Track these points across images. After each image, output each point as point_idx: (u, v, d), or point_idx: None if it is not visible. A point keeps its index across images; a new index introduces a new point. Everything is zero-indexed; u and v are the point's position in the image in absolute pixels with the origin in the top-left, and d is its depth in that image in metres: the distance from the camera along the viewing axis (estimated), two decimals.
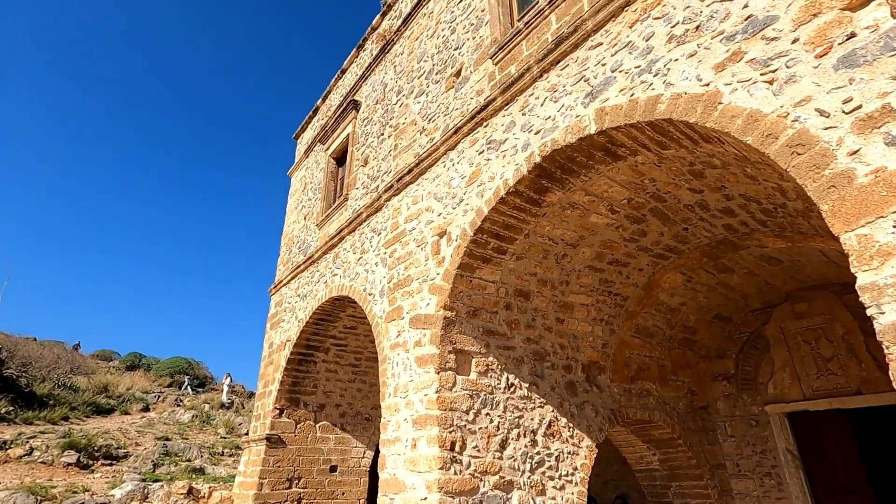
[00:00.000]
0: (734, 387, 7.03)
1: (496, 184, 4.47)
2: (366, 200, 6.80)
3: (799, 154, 2.43)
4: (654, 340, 6.44)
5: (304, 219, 9.20)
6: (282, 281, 9.07)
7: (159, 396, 20.46)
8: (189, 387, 22.33)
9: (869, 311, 2.08)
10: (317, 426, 8.19)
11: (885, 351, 2.01)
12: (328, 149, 8.90)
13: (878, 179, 2.14)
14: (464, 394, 4.54)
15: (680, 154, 3.66)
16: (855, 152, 2.24)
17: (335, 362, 8.38)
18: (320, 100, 10.20)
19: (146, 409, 18.12)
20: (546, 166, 4.11)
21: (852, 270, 2.15)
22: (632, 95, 3.40)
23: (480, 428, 4.51)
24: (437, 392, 4.40)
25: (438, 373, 4.48)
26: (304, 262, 8.24)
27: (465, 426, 4.41)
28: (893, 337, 1.98)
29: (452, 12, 6.18)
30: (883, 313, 2.03)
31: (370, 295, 6.06)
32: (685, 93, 3.05)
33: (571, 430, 5.23)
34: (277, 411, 7.88)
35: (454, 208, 4.98)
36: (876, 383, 5.80)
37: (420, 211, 5.56)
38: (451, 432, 4.29)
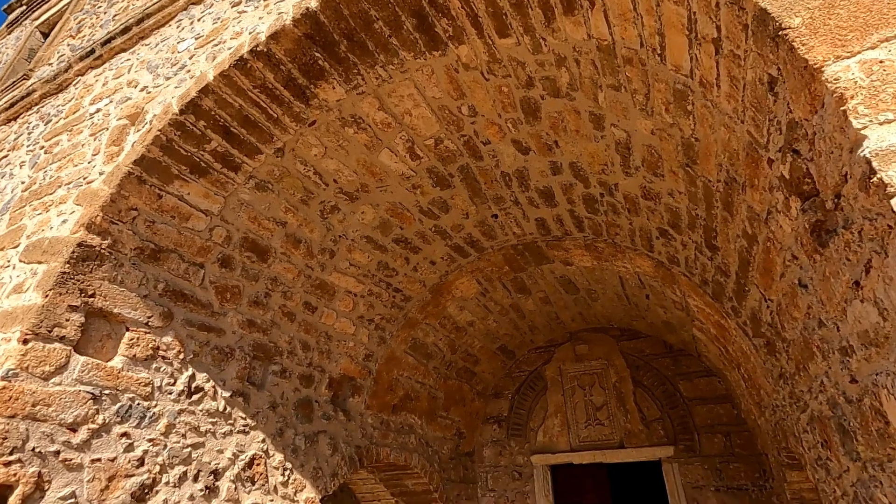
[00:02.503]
0: (504, 432, 6.15)
1: (241, 40, 2.68)
2: (49, 75, 4.19)
3: None
4: (431, 364, 5.15)
5: None
6: None
7: None
8: None
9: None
10: None
11: None
12: (38, 18, 5.86)
13: None
14: (80, 391, 2.38)
15: (520, 56, 2.47)
16: None
17: None
18: None
19: None
20: (326, 25, 2.51)
21: (853, 122, 0.99)
22: None
23: (95, 460, 2.37)
24: (7, 378, 2.15)
25: (27, 342, 2.26)
26: None
27: (56, 454, 2.23)
28: None
29: None
30: None
31: None
32: None
33: (288, 473, 3.40)
34: None
35: (168, 79, 2.98)
36: (638, 436, 5.45)
37: (119, 87, 3.36)
38: (6, 470, 2.06)
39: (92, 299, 2.49)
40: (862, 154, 0.97)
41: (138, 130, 2.80)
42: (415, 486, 5.05)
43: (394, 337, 4.53)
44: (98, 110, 3.31)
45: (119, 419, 2.50)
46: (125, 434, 2.51)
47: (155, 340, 2.74)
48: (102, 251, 2.55)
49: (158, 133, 2.62)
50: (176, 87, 2.83)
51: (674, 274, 3.69)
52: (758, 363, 3.19)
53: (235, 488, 3.00)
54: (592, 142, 2.86)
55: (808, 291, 1.67)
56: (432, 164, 3.39)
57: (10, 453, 2.09)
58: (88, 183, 2.77)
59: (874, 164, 0.94)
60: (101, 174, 2.75)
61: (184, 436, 2.79)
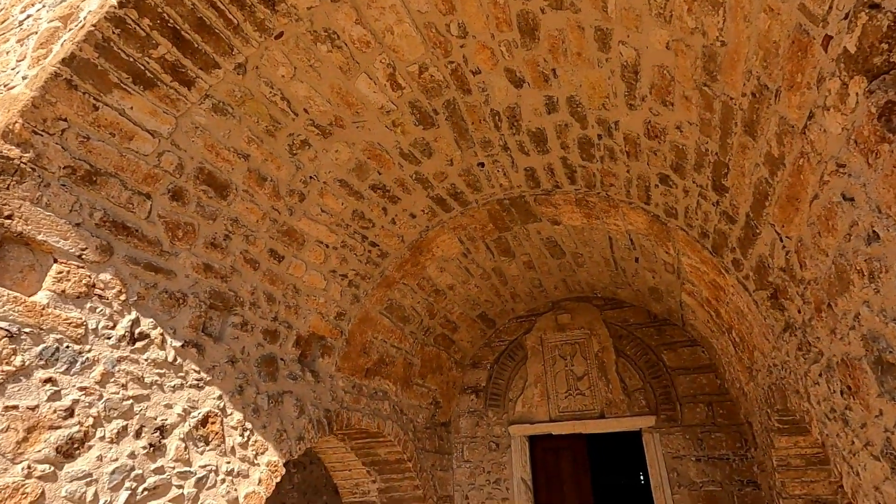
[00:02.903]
0: (482, 402, 5.95)
1: None
2: None
3: None
4: (407, 328, 4.88)
5: None
6: None
7: None
8: None
9: None
10: None
11: None
12: None
13: None
14: None
15: None
16: None
17: None
18: None
19: None
20: None
21: None
22: None
23: (11, 407, 2.02)
24: None
25: None
26: None
27: None
28: None
29: None
30: None
31: None
32: None
33: (248, 434, 3.10)
34: None
35: None
36: (619, 406, 5.32)
37: None
38: None
39: (9, 221, 2.11)
40: None
41: (70, 30, 2.38)
42: (388, 455, 4.80)
43: (368, 296, 4.23)
44: (28, 16, 2.85)
45: (42, 362, 2.14)
46: (50, 380, 2.15)
47: (90, 276, 2.37)
48: (23, 166, 2.15)
49: (92, 29, 2.21)
50: None
51: (669, 229, 3.47)
52: (756, 320, 3.01)
53: (186, 447, 2.68)
54: (595, 68, 2.57)
55: (854, 205, 1.43)
56: (415, 96, 3.06)
57: None
58: (9, 89, 2.35)
59: None
60: (24, 79, 2.33)
61: (124, 386, 2.44)
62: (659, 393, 5.18)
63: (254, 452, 3.11)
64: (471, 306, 5.54)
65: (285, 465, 3.45)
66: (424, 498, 5.01)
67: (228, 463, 2.92)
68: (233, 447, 2.97)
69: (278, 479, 3.25)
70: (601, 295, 5.85)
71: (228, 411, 2.99)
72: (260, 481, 3.10)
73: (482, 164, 3.69)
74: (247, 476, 3.03)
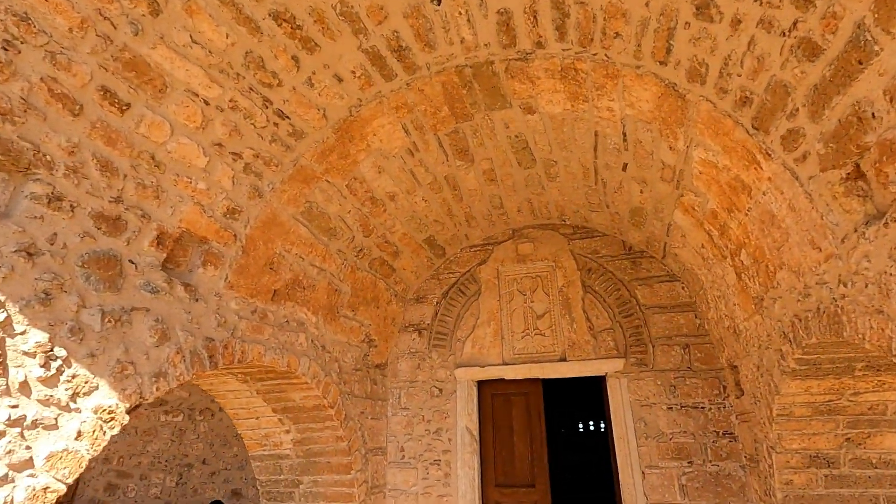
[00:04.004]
0: (425, 342, 5.09)
1: None
2: None
3: None
4: (334, 244, 3.83)
5: None
6: None
7: None
8: None
9: None
10: None
11: None
12: None
13: None
14: None
15: None
16: None
17: None
18: None
19: None
20: None
21: None
22: None
23: None
24: None
25: None
26: None
27: None
28: None
29: None
30: None
31: None
32: None
33: (60, 365, 2.01)
34: None
35: None
36: (583, 348, 4.60)
37: None
38: None
39: None
40: None
41: None
42: (304, 401, 3.86)
43: (277, 191, 3.12)
44: None
45: None
46: None
47: None
48: None
49: None
50: None
51: (688, 103, 2.56)
52: (802, 224, 2.20)
53: None
54: None
55: None
56: None
57: None
58: None
59: None
60: None
61: None
62: (629, 334, 4.49)
63: (69, 392, 2.04)
64: (417, 227, 4.55)
65: (132, 409, 2.40)
66: (350, 450, 4.15)
67: (14, 407, 1.84)
68: (24, 383, 1.89)
69: (115, 431, 2.21)
70: (570, 222, 5.01)
71: (18, 328, 1.88)
72: (80, 434, 2.05)
73: (438, 1, 2.59)
74: (54, 427, 1.97)
